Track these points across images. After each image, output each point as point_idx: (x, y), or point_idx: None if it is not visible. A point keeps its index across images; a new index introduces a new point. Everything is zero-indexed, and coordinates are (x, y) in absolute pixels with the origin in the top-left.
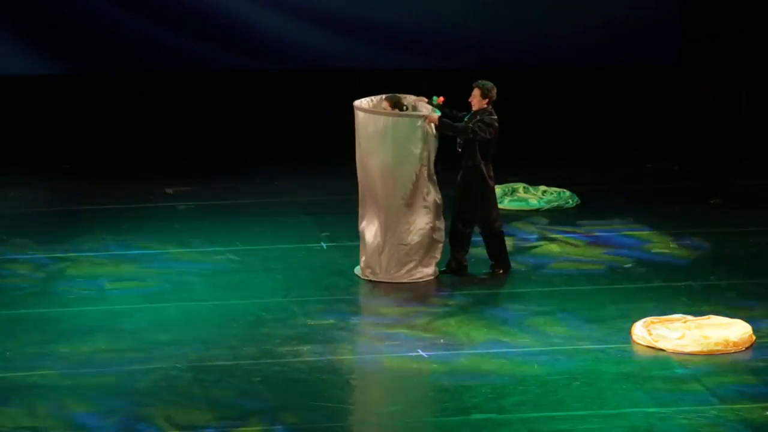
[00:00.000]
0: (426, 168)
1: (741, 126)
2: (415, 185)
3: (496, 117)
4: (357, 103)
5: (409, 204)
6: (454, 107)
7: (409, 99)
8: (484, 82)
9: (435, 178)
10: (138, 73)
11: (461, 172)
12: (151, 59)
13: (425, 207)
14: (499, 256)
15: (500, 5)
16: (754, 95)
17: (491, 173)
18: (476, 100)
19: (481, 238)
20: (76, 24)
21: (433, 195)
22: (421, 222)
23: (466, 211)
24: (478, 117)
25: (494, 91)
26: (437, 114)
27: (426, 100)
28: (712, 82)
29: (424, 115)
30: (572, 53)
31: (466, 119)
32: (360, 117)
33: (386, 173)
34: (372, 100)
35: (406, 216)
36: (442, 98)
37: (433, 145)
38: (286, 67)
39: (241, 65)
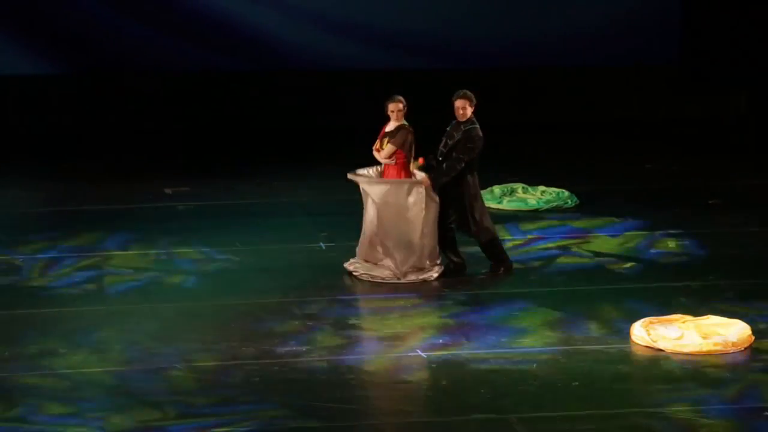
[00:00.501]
0: (429, 226)
1: (740, 126)
2: (420, 243)
3: (478, 126)
4: (352, 176)
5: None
6: (445, 109)
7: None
8: (465, 92)
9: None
10: (138, 73)
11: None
12: (151, 60)
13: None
14: (495, 256)
15: (500, 6)
16: (754, 95)
17: (476, 182)
18: (462, 112)
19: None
20: (76, 25)
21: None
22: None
23: (452, 215)
24: (462, 129)
25: (474, 99)
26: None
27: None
28: (712, 82)
29: (419, 181)
30: (572, 54)
31: (449, 129)
32: (364, 186)
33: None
34: (368, 171)
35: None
36: (421, 159)
37: (431, 204)
38: (286, 68)
39: (241, 66)
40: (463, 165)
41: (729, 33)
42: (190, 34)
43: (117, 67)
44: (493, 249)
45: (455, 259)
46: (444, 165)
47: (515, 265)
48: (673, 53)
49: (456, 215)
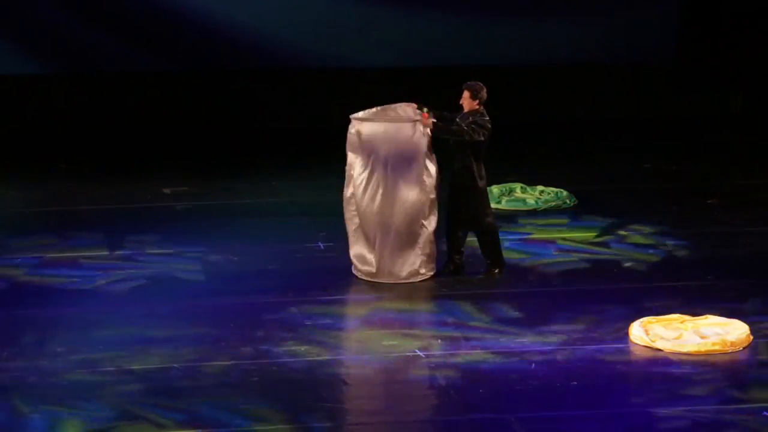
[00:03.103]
0: (423, 171)
1: (738, 126)
2: (413, 188)
3: (488, 118)
4: (354, 116)
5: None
6: (448, 107)
7: (398, 109)
8: (473, 83)
9: (430, 180)
10: (136, 72)
11: (452, 173)
12: (150, 59)
13: (418, 204)
14: (494, 255)
15: (498, 4)
16: (751, 95)
17: (482, 173)
18: (467, 102)
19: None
20: (72, 23)
21: (424, 192)
22: (411, 219)
23: (459, 212)
24: (471, 119)
25: (484, 92)
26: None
27: (415, 105)
28: (709, 81)
29: (418, 120)
30: (569, 52)
31: (457, 119)
32: (358, 127)
33: (386, 178)
34: (368, 113)
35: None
36: (426, 114)
37: (427, 148)
38: (284, 67)
39: (239, 65)
40: (466, 138)
41: (726, 32)
42: (190, 33)
43: (116, 67)
44: (492, 246)
45: (456, 258)
46: (453, 126)
47: (514, 265)
48: (670, 52)
49: (467, 212)
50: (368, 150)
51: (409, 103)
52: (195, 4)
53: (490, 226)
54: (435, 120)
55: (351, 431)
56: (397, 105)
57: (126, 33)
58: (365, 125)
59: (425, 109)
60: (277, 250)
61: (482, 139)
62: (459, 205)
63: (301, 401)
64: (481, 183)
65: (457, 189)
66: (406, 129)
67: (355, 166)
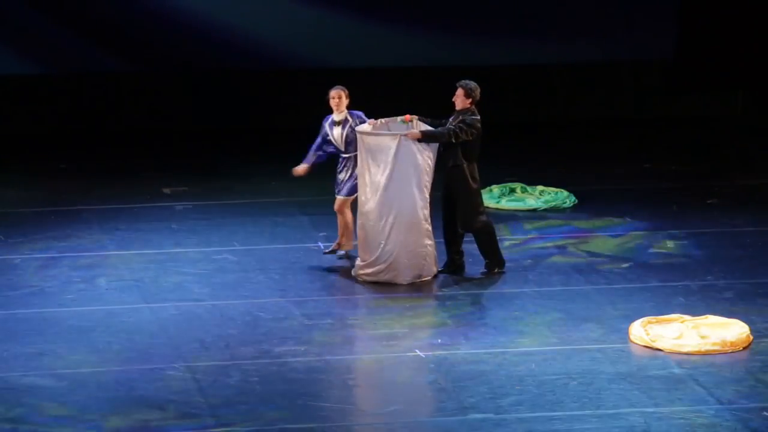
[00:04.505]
0: (419, 182)
1: (737, 126)
2: (408, 200)
3: (478, 117)
4: (359, 128)
5: (402, 219)
6: (442, 105)
7: (383, 122)
8: (467, 81)
9: (426, 194)
10: (137, 73)
11: (445, 174)
12: (151, 59)
13: (419, 221)
14: (492, 254)
15: (496, 2)
16: (750, 95)
17: (476, 174)
18: (460, 100)
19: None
20: (73, 23)
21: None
22: (409, 236)
23: (452, 212)
24: (460, 117)
25: (478, 91)
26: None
27: (417, 118)
28: (708, 81)
29: (404, 133)
30: (568, 52)
31: (451, 120)
32: (362, 139)
33: (381, 188)
34: (373, 126)
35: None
36: (407, 116)
37: (422, 160)
38: (283, 67)
39: (238, 65)
40: (452, 140)
41: (725, 31)
42: (188, 33)
43: (117, 67)
44: (488, 245)
45: (456, 258)
46: (438, 129)
47: (514, 265)
48: (668, 52)
49: (458, 212)
50: (371, 157)
51: (411, 116)
52: (195, 6)
53: (484, 226)
54: (421, 131)
55: (351, 431)
56: (398, 118)
57: (127, 34)
58: (366, 137)
59: (400, 120)
60: (276, 249)
61: (470, 138)
62: (452, 206)
63: (301, 401)
64: (473, 184)
65: (449, 190)
66: (400, 140)
67: (362, 172)
